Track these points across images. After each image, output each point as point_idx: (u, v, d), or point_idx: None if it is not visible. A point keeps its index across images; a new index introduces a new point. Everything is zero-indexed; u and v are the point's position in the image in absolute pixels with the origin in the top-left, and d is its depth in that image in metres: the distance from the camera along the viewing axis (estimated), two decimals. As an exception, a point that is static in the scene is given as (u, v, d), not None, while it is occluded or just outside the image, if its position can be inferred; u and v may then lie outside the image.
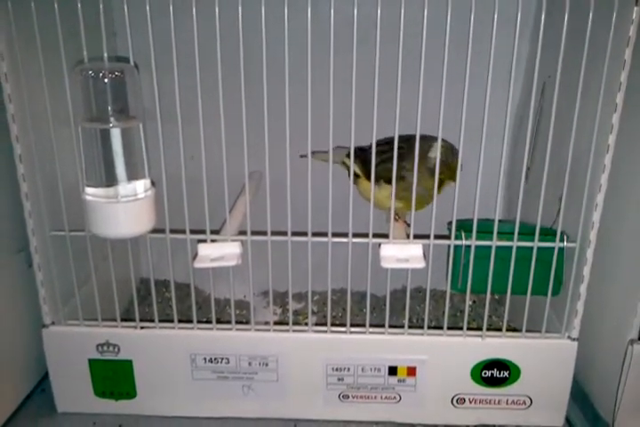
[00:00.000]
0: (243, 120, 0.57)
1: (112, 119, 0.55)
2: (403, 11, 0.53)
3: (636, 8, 0.53)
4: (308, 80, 0.56)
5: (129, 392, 0.69)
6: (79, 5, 0.53)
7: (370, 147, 0.61)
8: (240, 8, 0.54)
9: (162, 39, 0.55)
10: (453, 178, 0.64)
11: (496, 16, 0.53)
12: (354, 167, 0.72)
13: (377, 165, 0.61)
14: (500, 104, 0.57)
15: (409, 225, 0.68)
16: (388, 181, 0.63)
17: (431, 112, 0.56)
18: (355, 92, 0.56)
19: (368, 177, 0.62)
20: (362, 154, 0.70)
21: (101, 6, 0.53)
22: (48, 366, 0.69)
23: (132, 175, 0.57)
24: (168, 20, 0.54)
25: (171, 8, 0.54)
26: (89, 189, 0.57)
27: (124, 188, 0.57)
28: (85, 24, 0.54)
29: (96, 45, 0.55)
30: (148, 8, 0.54)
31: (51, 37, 0.55)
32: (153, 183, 0.60)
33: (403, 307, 0.65)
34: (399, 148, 0.59)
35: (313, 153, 0.61)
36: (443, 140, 0.63)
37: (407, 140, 0.62)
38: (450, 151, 0.66)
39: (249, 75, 0.56)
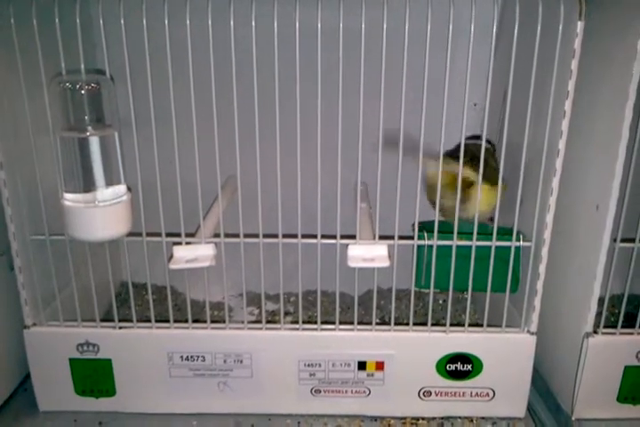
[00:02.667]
0: (214, 124, 0.60)
1: (89, 128, 0.58)
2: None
3: (579, 23, 0.56)
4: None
5: (108, 390, 0.71)
6: (57, 20, 0.56)
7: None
8: (210, 21, 0.56)
9: (138, 50, 0.57)
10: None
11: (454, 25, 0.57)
12: (468, 174, 0.65)
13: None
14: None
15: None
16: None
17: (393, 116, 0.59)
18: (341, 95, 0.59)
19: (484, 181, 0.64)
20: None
21: (78, 20, 0.56)
22: (30, 366, 0.70)
23: (109, 181, 0.60)
24: (142, 32, 0.56)
25: (144, 21, 0.56)
26: (68, 195, 0.60)
27: (102, 193, 0.60)
28: (65, 36, 0.56)
29: (76, 56, 0.57)
30: (122, 21, 0.56)
31: (31, 50, 0.57)
32: (129, 188, 0.62)
33: (376, 306, 0.68)
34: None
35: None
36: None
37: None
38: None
39: (228, 80, 0.58)
